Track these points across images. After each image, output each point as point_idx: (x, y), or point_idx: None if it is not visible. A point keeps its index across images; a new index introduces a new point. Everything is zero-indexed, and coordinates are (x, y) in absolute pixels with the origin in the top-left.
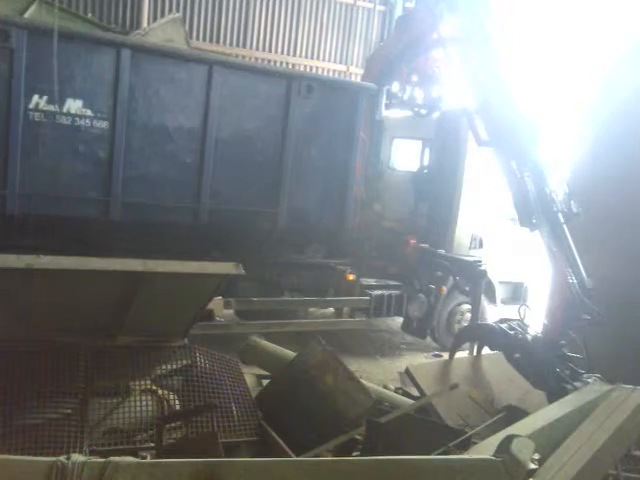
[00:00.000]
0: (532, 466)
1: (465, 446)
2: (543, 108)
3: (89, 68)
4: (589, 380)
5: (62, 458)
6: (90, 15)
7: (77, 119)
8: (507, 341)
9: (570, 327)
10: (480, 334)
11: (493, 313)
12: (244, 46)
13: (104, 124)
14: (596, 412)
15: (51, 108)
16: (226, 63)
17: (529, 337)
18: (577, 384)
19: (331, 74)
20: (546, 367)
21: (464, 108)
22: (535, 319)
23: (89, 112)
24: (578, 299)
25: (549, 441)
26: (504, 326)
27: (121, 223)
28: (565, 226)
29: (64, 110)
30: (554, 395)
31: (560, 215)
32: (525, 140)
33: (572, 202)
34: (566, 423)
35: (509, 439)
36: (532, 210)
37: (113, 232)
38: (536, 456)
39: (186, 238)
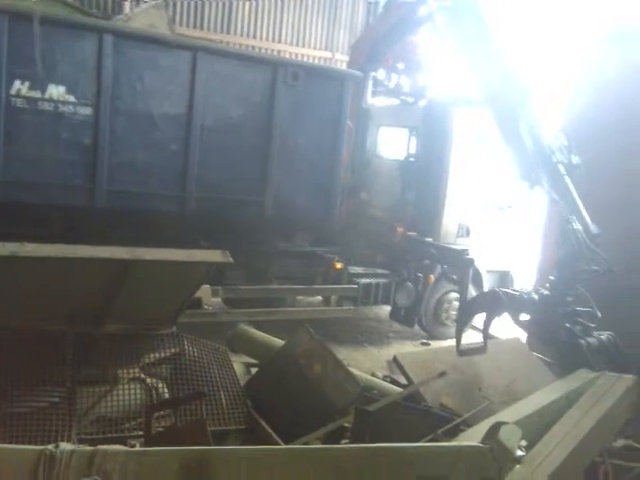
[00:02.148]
0: (519, 453)
1: (453, 433)
2: (534, 70)
3: (71, 54)
4: (602, 337)
5: (50, 447)
6: (71, 0)
7: (60, 105)
8: (512, 303)
9: (578, 280)
10: (484, 302)
11: None
12: (228, 32)
13: (88, 110)
14: (582, 400)
15: (33, 94)
16: (210, 49)
17: (535, 296)
18: (590, 340)
19: (316, 61)
20: (555, 325)
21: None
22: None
23: (72, 98)
24: (585, 246)
25: (536, 428)
26: (507, 290)
27: (107, 211)
28: (566, 177)
29: (46, 96)
30: (567, 354)
31: (560, 166)
32: (518, 96)
33: (571, 154)
34: (553, 410)
35: (497, 426)
36: (532, 163)
37: (100, 220)
38: (523, 443)
39: (174, 226)
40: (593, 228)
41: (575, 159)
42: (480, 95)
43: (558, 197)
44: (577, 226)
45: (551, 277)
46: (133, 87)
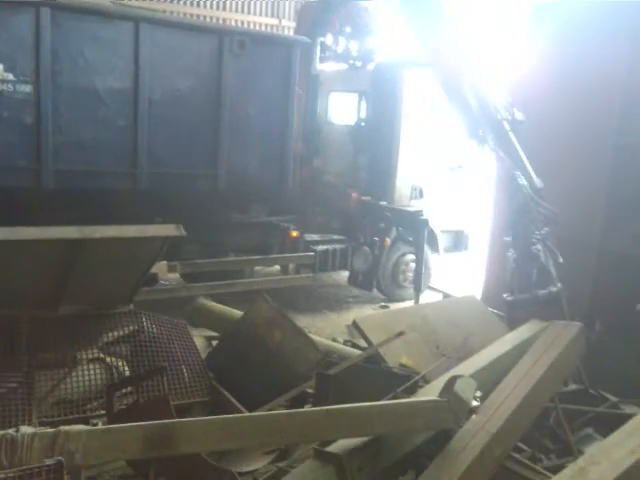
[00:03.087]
0: (475, 403)
1: (412, 390)
2: (479, 36)
3: (7, 29)
4: (553, 289)
5: (11, 431)
6: None
7: None
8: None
9: (531, 232)
10: None
11: (437, 262)
12: (171, 1)
13: (28, 88)
14: (532, 349)
15: None
16: (153, 20)
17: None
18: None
19: (263, 28)
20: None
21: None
22: None
23: (11, 76)
24: (531, 200)
25: (490, 379)
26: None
27: (56, 192)
28: (511, 133)
29: None
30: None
31: (505, 123)
32: (461, 57)
33: (515, 111)
34: (505, 361)
35: (452, 380)
36: (477, 121)
37: (49, 202)
38: (478, 394)
39: (126, 204)
40: (537, 182)
41: (519, 115)
42: (423, 56)
43: (504, 154)
44: (522, 181)
45: (506, 239)
46: (74, 62)
